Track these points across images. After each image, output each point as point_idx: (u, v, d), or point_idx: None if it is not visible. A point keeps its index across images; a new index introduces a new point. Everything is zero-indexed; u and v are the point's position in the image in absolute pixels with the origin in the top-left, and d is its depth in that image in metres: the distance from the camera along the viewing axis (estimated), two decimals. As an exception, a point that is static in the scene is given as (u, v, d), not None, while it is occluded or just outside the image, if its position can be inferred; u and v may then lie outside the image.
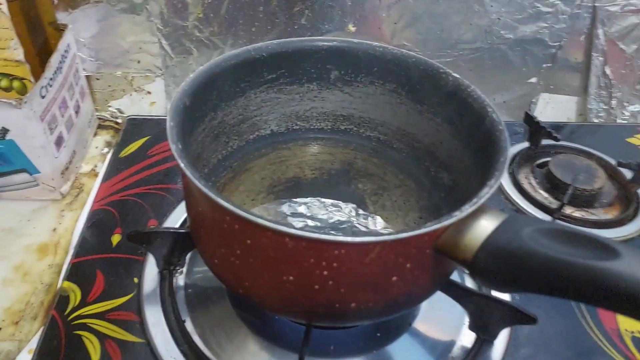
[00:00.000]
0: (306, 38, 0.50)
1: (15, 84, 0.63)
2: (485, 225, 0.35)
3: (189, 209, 0.43)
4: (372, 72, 0.51)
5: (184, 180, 0.41)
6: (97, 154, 0.75)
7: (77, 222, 0.65)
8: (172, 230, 0.47)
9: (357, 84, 0.52)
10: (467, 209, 0.34)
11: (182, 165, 0.35)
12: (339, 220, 0.51)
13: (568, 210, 0.60)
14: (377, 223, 0.52)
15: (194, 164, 0.41)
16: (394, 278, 0.36)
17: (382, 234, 0.33)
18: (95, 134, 0.78)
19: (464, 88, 0.46)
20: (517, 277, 0.33)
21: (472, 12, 0.70)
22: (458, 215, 0.34)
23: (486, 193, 0.36)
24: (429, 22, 0.71)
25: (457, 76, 0.46)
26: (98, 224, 0.58)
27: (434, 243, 0.35)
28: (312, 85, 0.53)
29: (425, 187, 0.53)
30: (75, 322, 0.48)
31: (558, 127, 0.72)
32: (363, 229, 0.51)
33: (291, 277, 0.36)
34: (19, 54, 0.60)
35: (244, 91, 0.50)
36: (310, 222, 0.51)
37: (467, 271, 0.35)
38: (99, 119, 0.79)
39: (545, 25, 0.71)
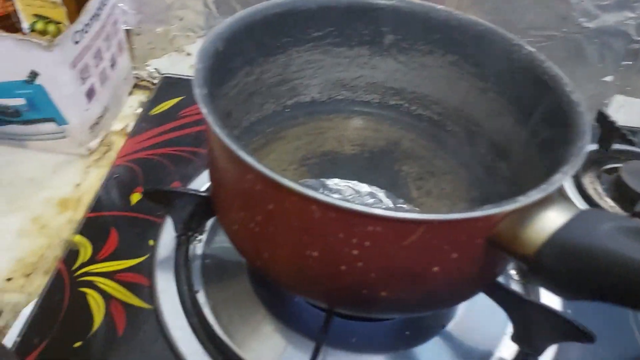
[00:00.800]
0: (362, -6, 0.45)
1: (51, 27, 0.60)
2: (554, 218, 0.29)
3: (209, 167, 0.38)
4: (433, 39, 0.45)
5: (206, 131, 0.36)
6: (131, 114, 0.72)
7: (101, 180, 0.62)
8: (193, 192, 0.43)
9: (413, 53, 0.46)
10: (535, 195, 0.29)
11: (204, 111, 0.31)
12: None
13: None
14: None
15: (222, 120, 0.36)
16: (435, 268, 0.31)
17: (428, 214, 0.27)
18: (130, 93, 0.75)
19: (538, 63, 0.40)
20: (588, 279, 0.28)
21: (549, -8, 0.63)
22: (523, 201, 0.28)
23: (558, 180, 0.30)
24: (500, 1, 0.64)
25: (532, 49, 0.40)
26: (119, 180, 0.55)
27: (488, 232, 0.30)
28: (362, 50, 0.47)
29: (478, 177, 0.47)
30: (82, 278, 0.45)
31: (633, 131, 0.65)
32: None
33: (315, 253, 0.31)
34: (56, -6, 0.57)
35: (285, 47, 0.45)
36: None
37: (525, 268, 0.30)
38: (136, 77, 0.76)
39: (633, 15, 0.63)
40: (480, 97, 0.45)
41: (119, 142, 0.68)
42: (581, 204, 0.56)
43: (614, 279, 0.26)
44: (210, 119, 0.30)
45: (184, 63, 0.74)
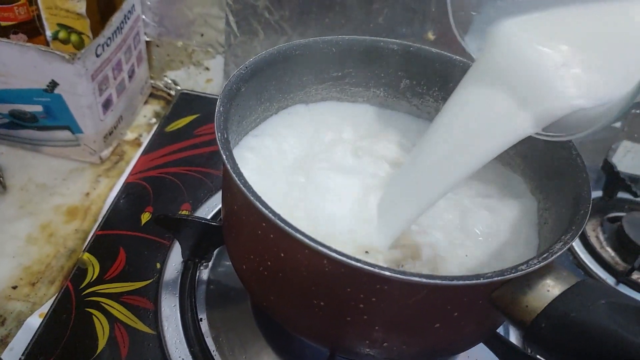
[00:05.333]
0: (380, 38, 0.45)
1: (73, 37, 0.61)
2: (552, 287, 0.30)
3: (224, 203, 0.39)
4: (447, 87, 0.46)
5: (224, 171, 0.37)
6: (144, 124, 0.73)
7: (111, 191, 0.62)
8: (203, 221, 0.44)
9: (427, 98, 0.47)
10: (535, 264, 0.30)
11: (224, 156, 0.32)
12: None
13: (635, 275, 0.54)
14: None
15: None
16: (437, 325, 0.32)
17: (433, 277, 0.28)
18: (145, 102, 0.76)
19: (549, 122, 0.40)
20: (581, 354, 0.28)
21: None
22: (524, 269, 0.29)
23: (559, 249, 0.31)
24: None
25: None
26: (130, 198, 0.55)
27: (490, 295, 0.31)
28: (378, 91, 0.48)
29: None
30: (89, 298, 0.45)
31: (636, 180, 0.66)
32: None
33: (322, 303, 0.32)
34: (81, 6, 0.58)
35: (304, 85, 0.46)
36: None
37: (520, 333, 0.31)
38: (152, 87, 0.77)
39: (645, 65, 0.64)
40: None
41: (130, 152, 0.69)
42: (581, 251, 0.56)
43: (607, 354, 0.27)
44: (229, 165, 0.31)
45: (201, 77, 0.75)
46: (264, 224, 0.31)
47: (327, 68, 0.45)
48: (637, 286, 0.53)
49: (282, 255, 0.31)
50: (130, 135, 0.71)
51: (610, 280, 0.54)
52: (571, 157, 0.38)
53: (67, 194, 0.62)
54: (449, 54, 0.45)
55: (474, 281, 0.29)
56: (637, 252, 0.54)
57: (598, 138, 0.70)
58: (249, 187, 0.30)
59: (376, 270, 0.28)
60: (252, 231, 0.33)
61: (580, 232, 0.32)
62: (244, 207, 0.33)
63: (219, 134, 0.33)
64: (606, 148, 0.71)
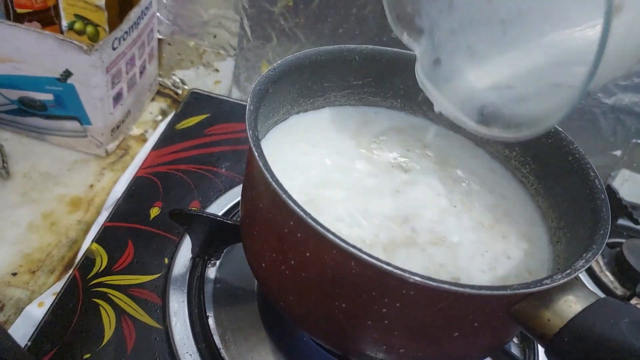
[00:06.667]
0: (405, 50, 0.46)
1: (89, 29, 0.61)
2: (574, 302, 0.31)
3: (245, 200, 0.39)
4: (466, 103, 0.47)
5: (249, 169, 0.37)
6: (150, 120, 0.73)
7: (115, 184, 0.62)
8: (219, 218, 0.44)
9: (445, 112, 0.48)
10: (559, 279, 0.30)
11: (255, 153, 0.32)
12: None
13: (634, 301, 0.55)
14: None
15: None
16: (456, 334, 0.32)
17: (460, 285, 0.29)
18: (152, 99, 0.76)
19: (565, 143, 0.41)
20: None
21: (573, 66, 0.65)
22: (548, 283, 0.30)
23: (582, 266, 0.31)
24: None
25: (560, 129, 0.42)
26: (139, 191, 0.55)
27: (511, 307, 0.31)
28: (395, 102, 0.49)
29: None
30: (96, 289, 0.45)
31: (636, 207, 0.67)
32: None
33: (344, 305, 0.32)
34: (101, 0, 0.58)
35: (325, 91, 0.46)
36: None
37: (542, 347, 0.31)
38: (160, 85, 0.77)
39: (647, 98, 0.66)
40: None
41: (135, 147, 0.68)
42: (583, 276, 0.57)
43: (628, 371, 0.28)
44: (261, 162, 0.31)
45: (209, 78, 0.75)
46: (292, 222, 0.31)
47: (348, 75, 0.46)
48: (635, 311, 0.54)
49: (308, 254, 0.31)
50: (136, 131, 0.71)
51: (609, 304, 0.54)
52: (589, 178, 0.38)
53: (70, 185, 0.61)
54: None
55: (499, 292, 0.29)
56: (636, 279, 0.55)
57: (599, 165, 0.72)
58: (281, 185, 0.30)
59: (406, 275, 0.28)
60: (276, 229, 0.33)
61: (600, 252, 0.33)
62: (271, 205, 0.33)
63: (250, 132, 0.33)
64: (605, 175, 0.73)
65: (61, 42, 0.54)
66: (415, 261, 0.37)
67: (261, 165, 0.31)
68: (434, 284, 0.28)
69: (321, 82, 0.45)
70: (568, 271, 0.31)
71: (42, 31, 0.54)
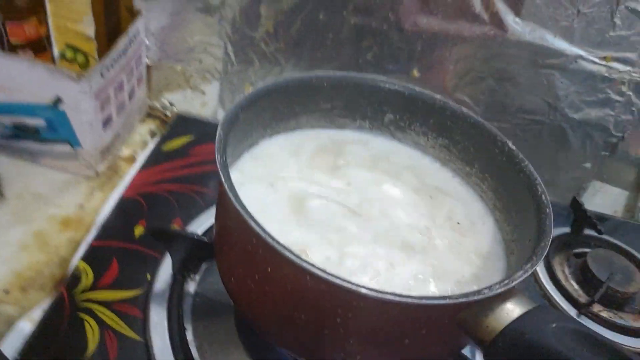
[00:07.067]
0: (369, 76, 0.49)
1: (79, 57, 0.64)
2: (511, 310, 0.33)
3: (217, 219, 0.42)
4: (428, 123, 0.50)
5: (220, 191, 0.40)
6: (139, 141, 0.76)
7: (104, 204, 0.65)
8: (195, 237, 0.47)
9: (409, 132, 0.51)
10: (497, 288, 0.33)
11: (222, 177, 0.35)
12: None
13: (596, 308, 0.57)
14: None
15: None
16: (406, 341, 0.35)
17: (405, 296, 0.32)
18: (142, 121, 0.79)
19: (517, 161, 0.44)
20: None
21: (540, 84, 0.68)
22: (486, 293, 0.33)
23: (520, 276, 0.34)
24: (494, 84, 0.69)
25: (514, 148, 0.45)
26: (125, 211, 0.58)
27: (455, 316, 0.34)
28: (364, 123, 0.52)
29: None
30: (82, 304, 0.47)
31: (603, 218, 0.70)
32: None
33: (303, 316, 0.35)
34: (90, 30, 0.61)
35: (297, 114, 0.49)
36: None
37: (482, 352, 0.34)
38: (150, 107, 0.80)
39: (612, 113, 0.69)
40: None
41: (124, 168, 0.71)
42: (548, 284, 0.60)
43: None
44: (227, 186, 0.34)
45: (197, 100, 0.79)
46: (254, 240, 0.34)
47: (317, 100, 0.49)
48: (597, 318, 0.56)
49: (269, 270, 0.34)
50: (125, 152, 0.74)
51: (572, 311, 0.57)
52: (537, 194, 0.41)
53: (62, 205, 0.64)
54: (430, 93, 0.49)
55: (440, 302, 0.32)
56: (598, 286, 0.57)
57: (570, 177, 0.75)
58: (243, 206, 0.33)
59: (354, 287, 0.31)
60: (242, 246, 0.36)
61: (539, 262, 0.36)
62: (236, 224, 0.36)
63: (219, 157, 0.36)
64: (577, 187, 0.76)
65: (52, 71, 0.57)
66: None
67: (226, 187, 0.34)
68: (380, 295, 0.31)
69: (293, 106, 0.48)
70: (506, 281, 0.34)
71: (33, 61, 0.58)
